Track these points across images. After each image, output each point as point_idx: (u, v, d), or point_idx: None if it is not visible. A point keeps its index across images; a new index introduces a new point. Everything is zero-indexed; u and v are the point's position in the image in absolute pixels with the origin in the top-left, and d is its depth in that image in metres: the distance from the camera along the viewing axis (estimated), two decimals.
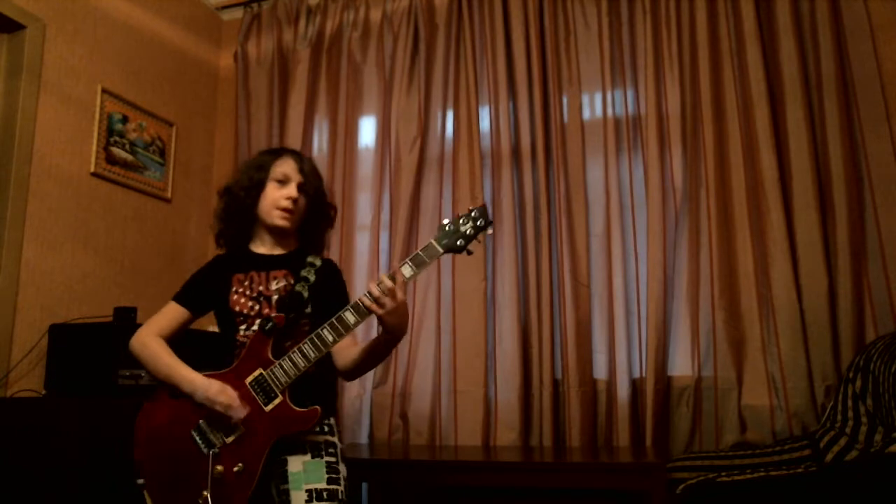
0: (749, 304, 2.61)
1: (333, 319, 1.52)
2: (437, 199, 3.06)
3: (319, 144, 3.36)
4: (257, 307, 1.65)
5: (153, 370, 1.65)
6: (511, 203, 2.92)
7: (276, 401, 1.53)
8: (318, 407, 1.52)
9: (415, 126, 3.15)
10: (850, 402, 2.23)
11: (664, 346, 2.67)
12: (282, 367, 1.53)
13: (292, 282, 1.66)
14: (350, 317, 1.51)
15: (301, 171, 1.72)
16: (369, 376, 3.03)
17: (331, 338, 1.51)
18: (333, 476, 1.57)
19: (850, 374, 2.28)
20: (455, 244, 1.51)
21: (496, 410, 2.79)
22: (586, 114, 2.96)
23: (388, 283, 1.46)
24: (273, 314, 1.61)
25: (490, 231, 1.54)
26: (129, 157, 3.06)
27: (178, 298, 1.74)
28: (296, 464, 1.56)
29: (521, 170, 2.96)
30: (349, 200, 3.22)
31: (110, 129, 2.96)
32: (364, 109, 3.35)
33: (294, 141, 3.30)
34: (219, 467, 1.50)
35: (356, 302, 1.51)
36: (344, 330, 1.52)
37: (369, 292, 1.47)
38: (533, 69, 2.99)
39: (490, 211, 1.55)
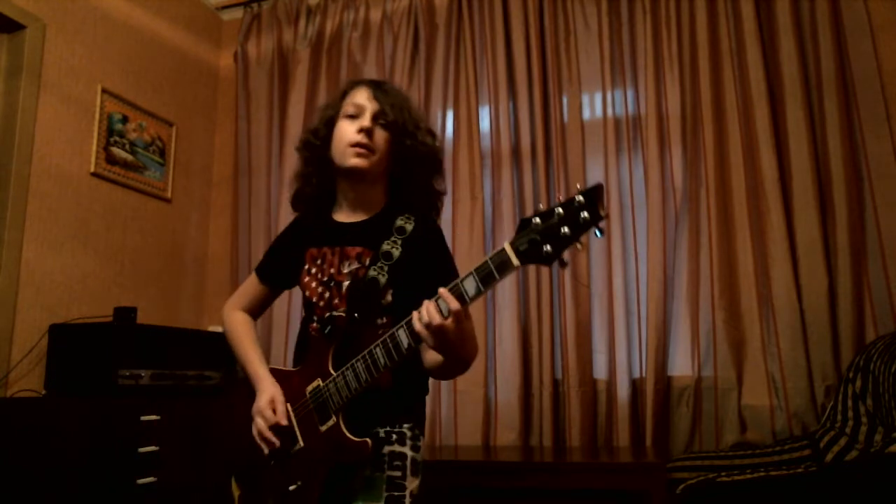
0: (749, 304, 2.61)
1: (387, 338, 1.19)
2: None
3: None
4: (327, 295, 1.37)
5: (234, 354, 1.50)
6: (511, 203, 2.92)
7: (330, 423, 1.28)
8: (368, 440, 1.24)
9: None
10: (850, 402, 2.23)
11: (664, 346, 2.67)
12: (336, 383, 1.27)
13: (367, 263, 1.33)
14: (404, 337, 1.17)
15: (376, 98, 1.37)
16: None
17: (382, 360, 1.20)
18: (395, 494, 1.31)
19: (850, 374, 2.28)
20: (540, 251, 1.02)
21: (496, 410, 2.79)
22: (586, 114, 2.96)
23: (434, 315, 1.10)
24: (341, 308, 1.34)
25: (602, 230, 1.02)
26: (129, 157, 3.06)
27: (258, 270, 1.54)
28: (358, 478, 1.32)
29: (521, 170, 2.96)
30: None
31: (110, 129, 2.96)
32: None
33: (294, 141, 3.28)
34: (281, 480, 1.33)
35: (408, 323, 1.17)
36: (397, 355, 1.18)
37: (419, 319, 1.13)
38: (533, 69, 2.99)
39: (606, 208, 1.02)
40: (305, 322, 1.43)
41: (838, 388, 2.34)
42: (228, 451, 1.48)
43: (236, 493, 1.43)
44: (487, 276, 1.06)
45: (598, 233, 1.00)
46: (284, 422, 1.33)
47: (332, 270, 1.37)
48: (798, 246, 2.58)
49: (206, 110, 3.63)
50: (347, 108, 1.39)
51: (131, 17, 3.14)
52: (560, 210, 1.02)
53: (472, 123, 3.04)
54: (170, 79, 3.36)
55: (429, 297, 1.13)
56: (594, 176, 2.90)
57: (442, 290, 1.10)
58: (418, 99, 3.16)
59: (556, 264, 1.02)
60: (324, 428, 1.29)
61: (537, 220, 1.04)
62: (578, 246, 1.01)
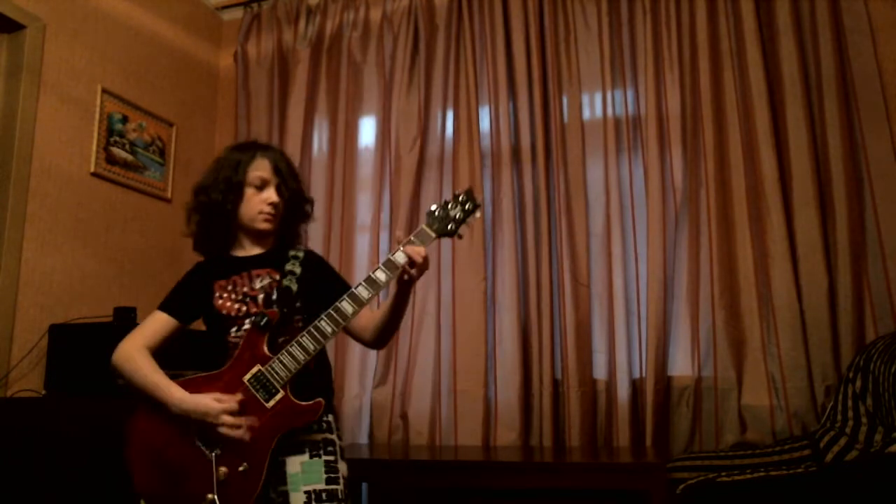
0: (749, 304, 2.61)
1: (331, 310, 1.50)
2: (437, 199, 3.06)
3: (319, 144, 3.36)
4: (244, 308, 1.61)
5: (135, 384, 1.59)
6: (511, 203, 2.92)
7: (278, 396, 1.49)
8: (321, 399, 1.50)
9: (415, 126, 3.15)
10: (850, 402, 2.23)
11: (664, 346, 2.67)
12: (281, 361, 1.50)
13: (277, 278, 1.62)
14: (347, 306, 1.51)
15: (277, 171, 1.67)
16: (369, 376, 3.03)
17: (329, 329, 1.50)
18: (332, 476, 1.53)
19: (850, 374, 2.28)
20: (446, 228, 1.54)
21: (496, 410, 2.79)
22: (586, 114, 2.97)
23: (420, 250, 1.50)
24: (263, 311, 1.58)
25: (478, 215, 1.57)
26: (129, 157, 3.06)
27: (164, 307, 1.69)
28: (294, 464, 1.53)
29: (521, 170, 2.96)
30: (349, 200, 3.22)
31: (110, 129, 2.96)
32: (364, 109, 3.35)
33: (294, 141, 3.31)
34: (223, 468, 1.46)
35: (370, 277, 1.52)
36: (342, 319, 1.51)
37: (405, 260, 1.50)
38: (533, 69, 2.99)
39: (479, 199, 1.58)
40: (220, 337, 1.62)
41: (838, 388, 2.34)
42: (139, 475, 1.55)
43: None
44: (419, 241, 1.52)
45: (476, 215, 1.56)
46: (236, 402, 1.48)
47: (245, 289, 1.63)
48: (798, 246, 2.58)
49: (206, 110, 3.63)
50: (254, 179, 1.65)
51: (131, 17, 3.14)
52: (451, 202, 1.56)
53: (472, 123, 3.04)
54: (170, 79, 3.36)
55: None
56: (594, 176, 2.90)
57: (405, 242, 1.52)
58: (418, 99, 3.17)
59: (455, 237, 1.56)
60: (271, 403, 1.50)
61: (440, 210, 1.55)
62: (468, 224, 1.56)
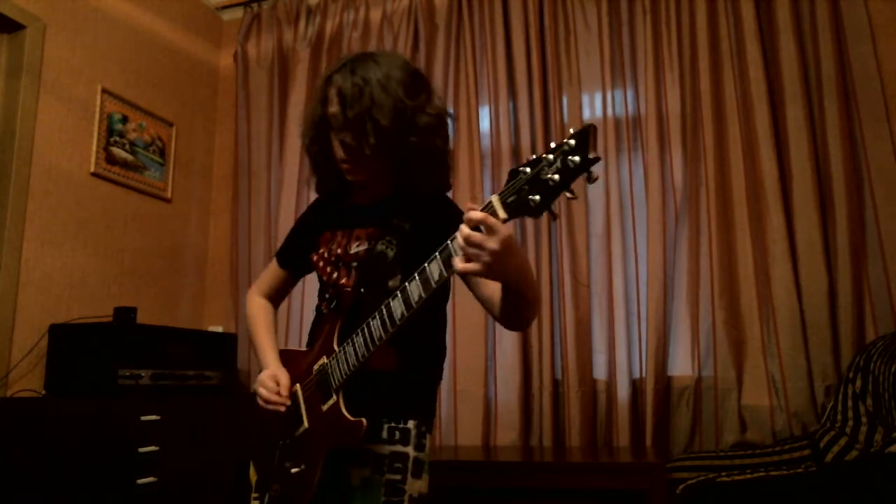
0: (749, 304, 2.60)
1: (382, 308, 1.17)
2: None
3: None
4: (335, 275, 1.36)
5: (253, 343, 1.53)
6: None
7: (331, 402, 1.27)
8: (363, 420, 1.21)
9: None
10: (850, 402, 2.23)
11: (664, 346, 2.67)
12: (338, 359, 1.27)
13: (376, 240, 1.31)
14: (398, 307, 1.14)
15: (340, 104, 1.27)
16: None
17: (378, 333, 1.17)
18: (394, 499, 1.26)
19: (850, 374, 2.28)
20: (527, 202, 0.94)
21: (496, 410, 2.79)
22: (586, 114, 2.96)
23: (476, 235, 0.98)
24: (349, 286, 1.33)
25: (595, 177, 0.92)
26: (129, 157, 3.06)
27: (278, 255, 1.56)
28: (355, 477, 1.29)
29: None
30: None
31: (110, 129, 2.96)
32: None
33: (294, 141, 3.30)
34: (287, 463, 1.33)
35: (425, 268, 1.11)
36: (391, 324, 1.16)
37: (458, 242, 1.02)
38: (533, 69, 2.99)
39: (593, 150, 0.91)
40: (319, 302, 1.44)
41: (838, 388, 2.34)
42: (249, 439, 1.52)
43: (253, 477, 1.46)
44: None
45: (589, 179, 0.92)
46: (285, 392, 1.34)
47: (340, 251, 1.38)
48: (798, 246, 2.58)
49: (206, 110, 3.63)
50: (331, 120, 1.32)
51: (131, 17, 3.14)
52: (549, 156, 0.93)
53: (472, 123, 3.04)
54: (170, 79, 3.36)
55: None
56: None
57: (472, 207, 1.00)
58: None
59: (546, 216, 0.95)
60: (325, 407, 1.28)
61: (526, 168, 0.95)
62: (569, 195, 0.93)
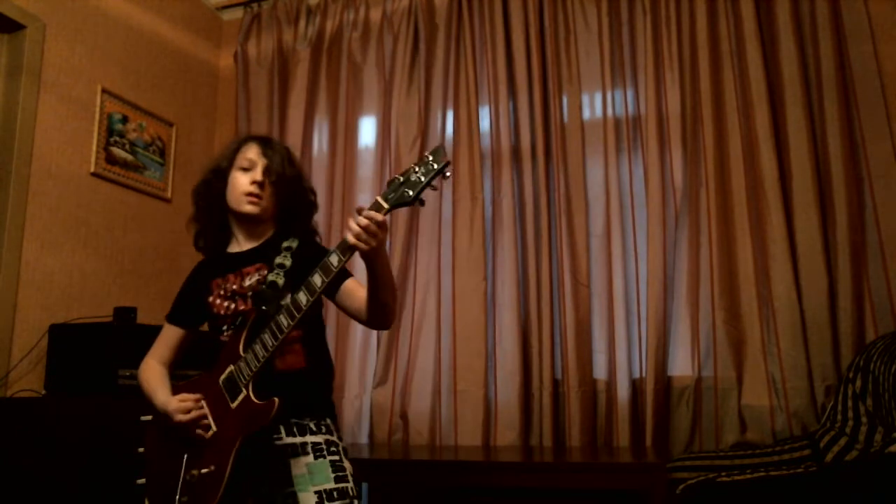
0: (749, 304, 2.61)
1: (288, 301, 1.41)
2: (438, 198, 3.06)
3: (319, 144, 3.37)
4: (234, 306, 1.58)
5: (145, 397, 1.65)
6: (511, 203, 2.92)
7: (241, 396, 1.45)
8: (275, 399, 1.40)
9: (415, 126, 3.15)
10: (850, 402, 2.23)
11: (664, 346, 2.67)
12: (245, 360, 1.46)
13: (265, 273, 1.56)
14: (302, 297, 1.38)
15: (265, 154, 1.62)
16: (369, 376, 3.03)
17: (285, 322, 1.40)
18: (341, 474, 1.50)
19: (850, 374, 2.28)
20: (403, 197, 1.31)
21: (496, 410, 2.79)
22: (586, 114, 2.97)
23: (376, 216, 1.31)
24: (248, 308, 1.56)
25: (448, 173, 1.31)
26: (129, 157, 3.06)
27: (169, 317, 1.72)
28: (298, 466, 1.49)
29: (521, 170, 2.96)
30: (349, 200, 3.22)
31: (110, 129, 2.96)
32: (364, 109, 3.35)
33: (294, 141, 3.30)
34: (193, 471, 1.44)
35: (324, 262, 1.37)
36: (297, 311, 1.39)
37: (353, 228, 1.32)
38: (533, 69, 2.99)
39: (444, 157, 1.29)
40: (215, 337, 1.62)
41: (838, 388, 2.34)
42: (148, 479, 1.61)
43: None
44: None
45: (446, 174, 1.30)
46: (193, 401, 1.49)
47: (235, 287, 1.59)
48: (798, 246, 2.58)
49: (206, 110, 3.63)
50: (241, 161, 1.62)
51: (131, 17, 3.14)
52: (415, 166, 1.31)
53: (472, 123, 3.04)
54: (170, 79, 3.36)
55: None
56: (594, 176, 2.90)
57: (362, 208, 1.33)
58: (418, 99, 3.17)
59: (417, 204, 1.32)
60: (234, 405, 1.46)
61: (400, 177, 1.33)
62: (432, 187, 1.31)
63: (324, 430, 1.56)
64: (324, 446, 1.53)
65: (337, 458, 1.53)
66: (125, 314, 2.53)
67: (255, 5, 3.56)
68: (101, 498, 2.12)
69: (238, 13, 3.66)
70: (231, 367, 1.49)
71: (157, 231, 3.19)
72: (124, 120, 3.04)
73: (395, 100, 3.20)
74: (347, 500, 1.47)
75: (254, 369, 1.44)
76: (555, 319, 2.82)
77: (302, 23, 3.47)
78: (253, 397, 1.43)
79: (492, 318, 2.89)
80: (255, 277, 1.57)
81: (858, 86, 2.60)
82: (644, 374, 2.66)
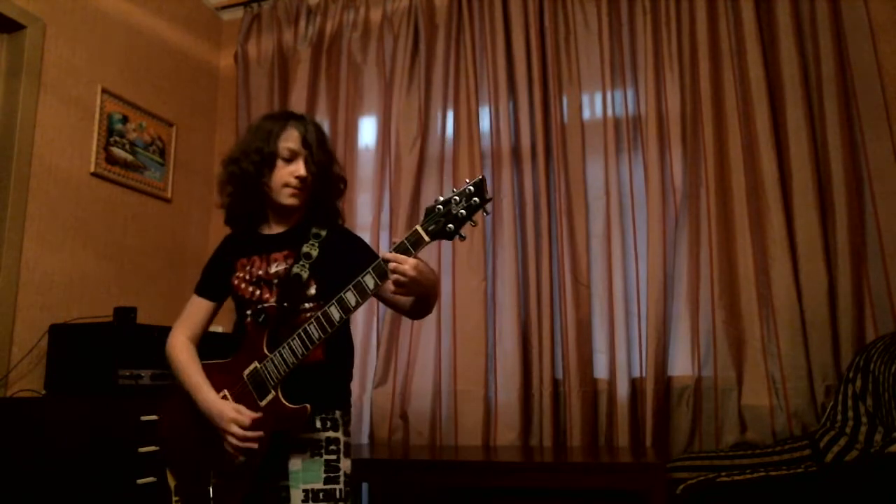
0: (749, 304, 2.61)
1: (320, 315, 1.44)
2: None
3: None
4: (258, 292, 1.59)
5: (180, 382, 1.63)
6: (511, 203, 2.92)
7: (269, 397, 1.50)
8: (307, 405, 1.47)
9: (415, 126, 3.15)
10: (850, 402, 2.23)
11: (664, 346, 2.67)
12: (273, 361, 1.49)
13: (292, 263, 1.57)
14: (335, 313, 1.42)
15: (305, 143, 1.60)
16: (369, 376, 3.03)
17: (317, 334, 1.45)
18: (332, 475, 1.53)
19: (850, 374, 2.28)
20: (444, 229, 1.34)
21: (496, 410, 2.79)
22: (586, 114, 2.97)
23: (401, 266, 1.36)
24: (271, 300, 1.57)
25: (489, 211, 1.36)
26: (129, 157, 3.06)
27: (198, 289, 1.72)
28: (296, 462, 1.53)
29: (521, 170, 2.96)
30: (349, 200, 3.22)
31: (110, 129, 2.96)
32: (364, 109, 3.35)
33: None
34: (226, 457, 1.51)
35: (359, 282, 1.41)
36: (329, 326, 1.43)
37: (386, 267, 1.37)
38: (533, 69, 2.99)
39: (489, 188, 1.33)
40: (240, 319, 1.65)
41: (838, 388, 2.34)
42: (166, 448, 1.68)
43: (172, 483, 1.61)
44: (405, 251, 1.37)
45: (486, 212, 1.35)
46: (250, 420, 1.47)
47: (261, 272, 1.60)
48: (798, 246, 2.58)
49: (206, 110, 3.63)
50: (282, 151, 1.60)
51: (131, 17, 3.14)
52: (456, 198, 1.34)
53: (472, 123, 3.04)
54: (170, 79, 3.36)
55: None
56: (594, 176, 2.90)
57: (386, 254, 1.38)
58: (418, 99, 3.17)
59: (457, 238, 1.35)
60: (263, 403, 1.50)
61: (440, 207, 1.35)
62: (471, 223, 1.34)
63: (328, 425, 1.57)
64: (322, 444, 1.55)
65: (333, 457, 1.55)
66: (125, 314, 2.53)
67: (255, 5, 3.56)
68: (101, 498, 2.12)
69: (238, 13, 3.66)
70: (256, 365, 1.52)
71: (157, 231, 3.19)
72: (124, 120, 3.04)
73: (395, 100, 3.20)
74: (332, 503, 1.51)
75: (283, 373, 1.48)
76: (555, 319, 2.82)
77: (302, 23, 3.47)
78: (282, 399, 1.49)
79: (492, 318, 2.89)
80: (282, 266, 1.58)
81: (858, 86, 2.60)
82: (644, 374, 2.66)
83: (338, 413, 1.59)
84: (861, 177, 2.57)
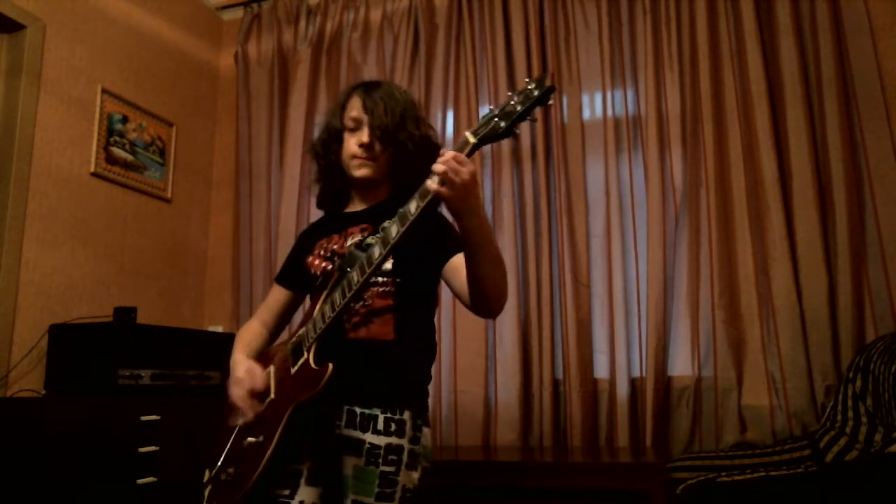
0: (749, 304, 2.60)
1: (362, 256, 1.27)
2: None
3: None
4: (329, 266, 1.44)
5: None
6: (511, 203, 2.92)
7: (300, 360, 1.30)
8: (329, 364, 1.23)
9: None
10: (850, 402, 2.23)
11: (664, 346, 2.67)
12: (313, 321, 1.32)
13: (367, 235, 1.41)
14: (375, 249, 1.22)
15: (366, 108, 1.45)
16: None
17: (356, 276, 1.25)
18: (388, 490, 1.29)
19: (850, 374, 2.28)
20: (495, 129, 1.14)
21: (496, 410, 2.79)
22: (586, 114, 2.97)
23: (456, 155, 1.16)
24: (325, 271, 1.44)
25: (551, 101, 1.13)
26: (129, 157, 3.06)
27: (276, 278, 1.64)
28: (348, 465, 1.31)
29: (521, 170, 2.96)
30: None
31: (110, 129, 2.96)
32: None
33: (294, 141, 3.30)
34: (249, 439, 1.31)
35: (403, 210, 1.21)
36: (368, 265, 1.23)
37: (435, 171, 1.16)
38: (533, 69, 2.99)
39: (548, 82, 1.12)
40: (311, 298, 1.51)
41: (838, 388, 2.33)
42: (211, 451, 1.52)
43: (206, 476, 1.47)
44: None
45: (549, 101, 1.13)
46: (260, 386, 1.35)
47: (336, 247, 1.46)
48: (798, 246, 2.58)
49: (206, 110, 3.63)
50: (347, 122, 1.49)
51: (131, 17, 3.14)
52: (511, 94, 1.15)
53: (472, 123, 3.04)
54: (170, 79, 3.36)
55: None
56: (594, 176, 2.90)
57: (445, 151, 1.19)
58: (418, 99, 3.17)
59: (511, 138, 1.17)
60: (294, 369, 1.31)
61: (494, 108, 1.17)
62: (531, 119, 1.14)
63: (393, 427, 1.32)
64: (382, 451, 1.31)
65: (392, 468, 1.30)
66: (125, 314, 2.53)
67: (255, 5, 3.56)
68: (101, 498, 2.12)
69: (238, 13, 3.66)
70: (301, 330, 1.36)
71: (157, 231, 3.19)
72: (124, 120, 3.04)
73: None
74: None
75: (318, 331, 1.30)
76: (555, 319, 2.82)
77: (302, 23, 3.47)
78: (312, 362, 1.27)
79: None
80: (358, 238, 1.43)
81: (858, 85, 2.60)
82: (644, 374, 2.66)
83: (406, 414, 1.34)
84: (861, 177, 2.56)
